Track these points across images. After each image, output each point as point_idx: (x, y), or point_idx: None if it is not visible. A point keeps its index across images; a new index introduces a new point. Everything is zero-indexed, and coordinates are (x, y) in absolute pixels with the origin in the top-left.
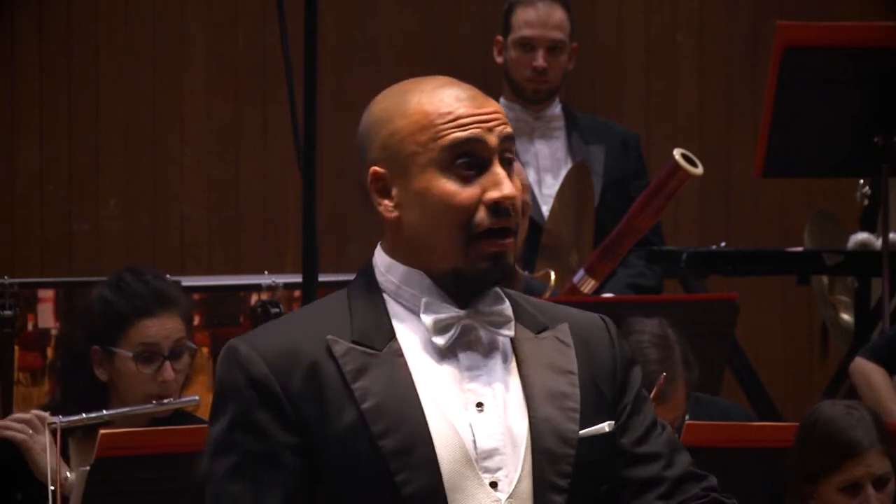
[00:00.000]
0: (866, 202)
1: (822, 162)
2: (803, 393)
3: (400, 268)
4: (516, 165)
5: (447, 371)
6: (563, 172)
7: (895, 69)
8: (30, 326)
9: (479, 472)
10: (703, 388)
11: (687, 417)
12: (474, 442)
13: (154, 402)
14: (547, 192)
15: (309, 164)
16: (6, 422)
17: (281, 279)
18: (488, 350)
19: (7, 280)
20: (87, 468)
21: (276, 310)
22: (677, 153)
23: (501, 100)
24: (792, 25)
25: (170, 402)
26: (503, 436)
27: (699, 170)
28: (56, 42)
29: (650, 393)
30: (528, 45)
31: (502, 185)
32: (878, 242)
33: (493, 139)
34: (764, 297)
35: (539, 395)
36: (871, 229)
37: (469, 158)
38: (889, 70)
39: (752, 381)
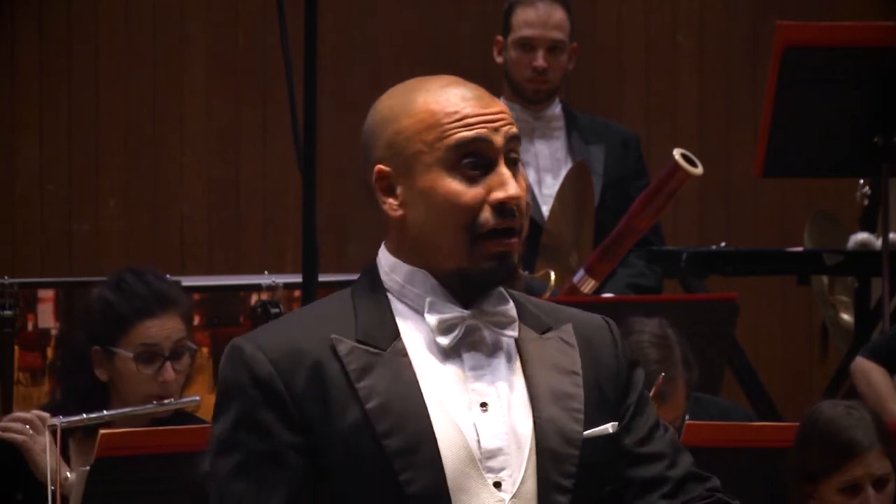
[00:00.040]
0: (866, 202)
1: (822, 162)
2: (803, 393)
3: (404, 267)
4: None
5: (451, 371)
6: (563, 172)
7: (895, 69)
8: (30, 326)
9: (483, 472)
10: (703, 388)
11: (687, 417)
12: (478, 442)
13: (154, 402)
14: (547, 192)
15: (309, 164)
16: (6, 422)
17: (281, 279)
18: (492, 350)
19: (7, 280)
20: (87, 468)
21: (276, 310)
22: (677, 153)
23: (501, 100)
24: (792, 25)
25: (170, 403)
26: (507, 436)
27: (699, 170)
28: (56, 42)
29: (650, 393)
30: (528, 45)
31: (507, 185)
32: (878, 242)
33: (499, 139)
34: (764, 297)
35: (543, 396)
36: (871, 229)
37: (475, 158)
38: (889, 70)
39: (752, 381)
